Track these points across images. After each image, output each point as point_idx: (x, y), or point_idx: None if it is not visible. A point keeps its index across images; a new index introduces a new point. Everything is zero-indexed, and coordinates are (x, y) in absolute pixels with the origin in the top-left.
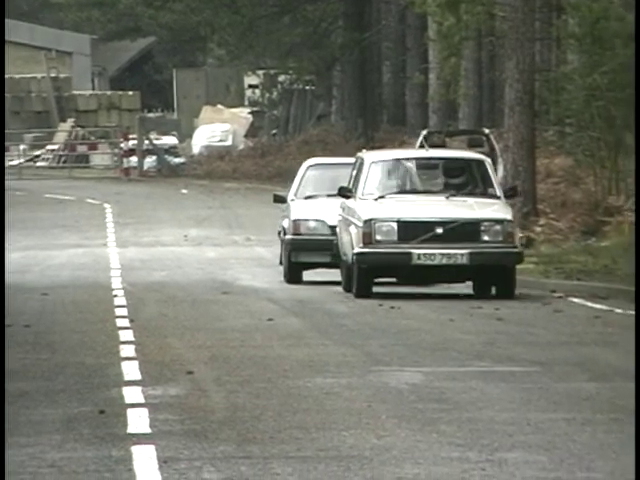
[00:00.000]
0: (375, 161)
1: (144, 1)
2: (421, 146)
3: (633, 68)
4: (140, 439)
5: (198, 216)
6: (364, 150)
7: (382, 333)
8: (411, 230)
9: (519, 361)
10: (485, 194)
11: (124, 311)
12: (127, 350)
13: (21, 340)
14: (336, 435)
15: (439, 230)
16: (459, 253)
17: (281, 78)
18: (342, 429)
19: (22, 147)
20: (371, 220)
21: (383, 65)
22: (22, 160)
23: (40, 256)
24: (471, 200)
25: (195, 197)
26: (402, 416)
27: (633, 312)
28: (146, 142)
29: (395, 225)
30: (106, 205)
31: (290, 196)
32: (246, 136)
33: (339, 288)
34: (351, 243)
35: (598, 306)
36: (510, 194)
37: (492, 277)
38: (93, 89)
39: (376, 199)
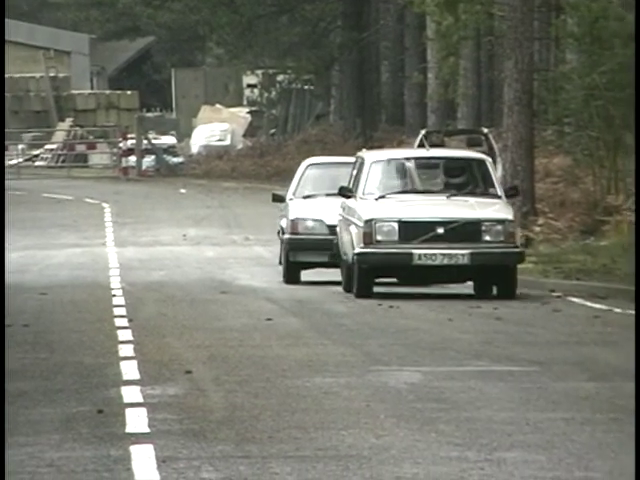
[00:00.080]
0: (376, 161)
1: (143, 1)
2: (421, 145)
3: (632, 68)
4: (139, 438)
5: (197, 216)
6: (364, 150)
7: (381, 333)
8: (412, 230)
9: (518, 361)
10: (486, 194)
11: (123, 311)
12: (126, 350)
13: (20, 340)
14: (335, 435)
15: (440, 230)
16: (460, 253)
17: (280, 78)
18: (341, 428)
19: (21, 146)
20: (372, 220)
21: (382, 65)
22: (21, 159)
23: (39, 256)
24: (472, 200)
25: (194, 197)
26: (401, 415)
27: (632, 312)
28: (145, 142)
29: (396, 225)
30: (105, 205)
31: (289, 195)
32: (245, 136)
33: (338, 288)
34: (351, 243)
35: (597, 306)
36: (511, 194)
37: (493, 277)
38: (92, 88)
39: (377, 199)
